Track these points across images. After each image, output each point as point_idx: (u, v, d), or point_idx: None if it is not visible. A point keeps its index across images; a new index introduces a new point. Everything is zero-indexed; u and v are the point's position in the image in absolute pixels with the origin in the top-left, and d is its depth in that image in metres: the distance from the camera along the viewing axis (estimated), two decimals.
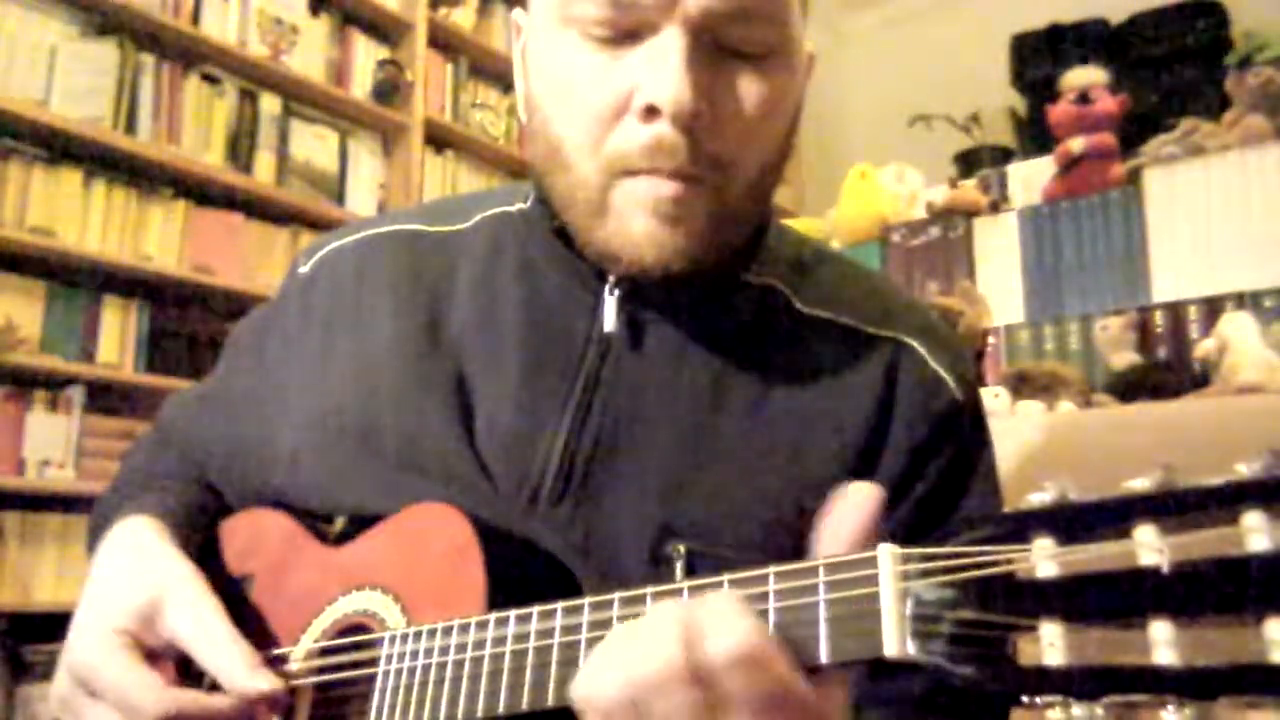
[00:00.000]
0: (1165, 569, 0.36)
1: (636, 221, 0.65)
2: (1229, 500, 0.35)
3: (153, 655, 0.67)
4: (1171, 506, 0.36)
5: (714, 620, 0.46)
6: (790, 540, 0.67)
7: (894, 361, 0.73)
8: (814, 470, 0.69)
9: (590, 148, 0.66)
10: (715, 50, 0.65)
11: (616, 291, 0.72)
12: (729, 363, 0.72)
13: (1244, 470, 0.35)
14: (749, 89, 0.66)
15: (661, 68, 0.62)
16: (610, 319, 0.72)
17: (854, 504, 0.50)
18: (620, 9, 0.64)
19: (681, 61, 0.62)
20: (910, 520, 0.70)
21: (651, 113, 0.63)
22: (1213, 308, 1.67)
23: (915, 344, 0.74)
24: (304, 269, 0.84)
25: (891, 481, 0.69)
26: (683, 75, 0.62)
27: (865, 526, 0.49)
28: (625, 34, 0.65)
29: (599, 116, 0.65)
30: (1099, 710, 0.37)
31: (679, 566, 0.65)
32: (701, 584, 0.50)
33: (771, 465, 0.69)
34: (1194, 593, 0.35)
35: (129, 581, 0.69)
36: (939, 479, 0.71)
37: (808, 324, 0.75)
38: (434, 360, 0.74)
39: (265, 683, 0.64)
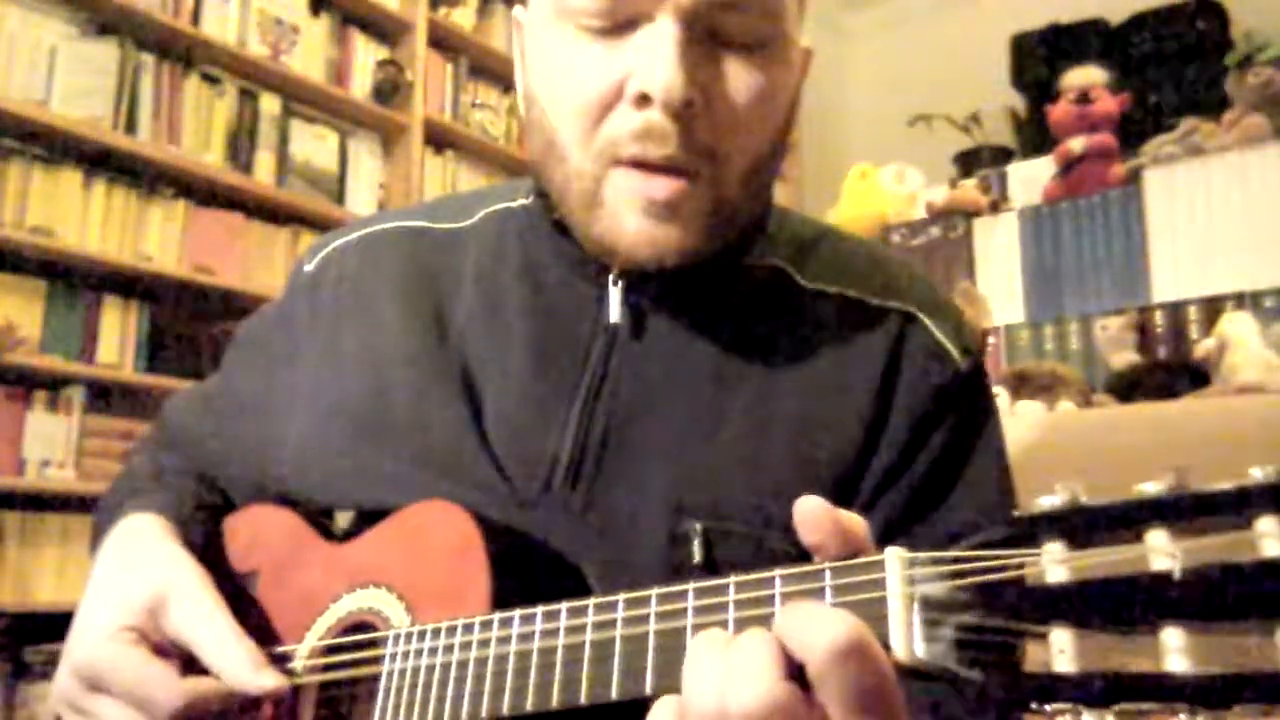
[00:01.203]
0: (1177, 574, 0.35)
1: (629, 219, 0.66)
2: (1242, 505, 0.34)
3: (159, 651, 0.67)
4: (1184, 511, 0.36)
5: (809, 621, 0.44)
6: None
7: (899, 332, 0.73)
8: (822, 441, 0.69)
9: (584, 138, 0.66)
10: (709, 41, 0.65)
11: (620, 282, 0.72)
12: (735, 343, 0.72)
13: (1258, 474, 0.34)
14: (742, 80, 0.66)
15: (654, 56, 0.63)
16: (615, 309, 0.72)
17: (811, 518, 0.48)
18: None
19: (674, 50, 0.63)
20: (916, 488, 0.70)
21: (644, 100, 0.64)
22: (1213, 308, 1.67)
23: (920, 315, 0.74)
24: (309, 267, 0.84)
25: (896, 450, 0.70)
26: (675, 64, 0.62)
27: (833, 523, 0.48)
28: (620, 25, 0.65)
29: (593, 107, 0.66)
30: (1109, 718, 0.36)
31: (696, 544, 0.66)
32: (707, 586, 0.50)
33: (781, 439, 0.69)
34: (1206, 599, 0.34)
35: (133, 579, 0.69)
36: (943, 448, 0.71)
37: (812, 298, 0.75)
38: (440, 354, 0.74)
39: (270, 680, 0.64)
